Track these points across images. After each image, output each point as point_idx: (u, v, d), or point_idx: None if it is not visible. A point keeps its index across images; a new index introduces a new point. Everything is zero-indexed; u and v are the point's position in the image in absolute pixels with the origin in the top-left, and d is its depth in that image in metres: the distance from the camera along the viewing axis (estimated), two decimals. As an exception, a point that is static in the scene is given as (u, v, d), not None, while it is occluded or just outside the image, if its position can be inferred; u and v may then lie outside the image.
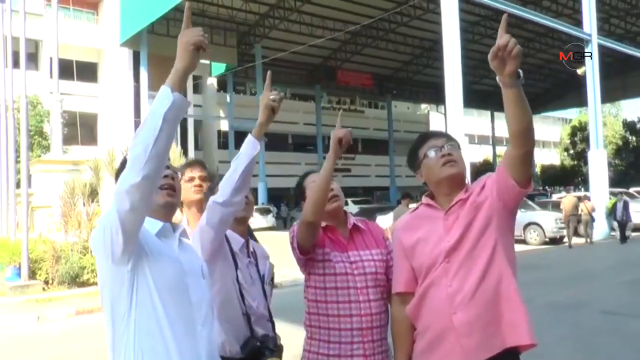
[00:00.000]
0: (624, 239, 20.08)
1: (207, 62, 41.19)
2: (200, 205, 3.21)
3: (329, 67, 45.92)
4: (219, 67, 41.62)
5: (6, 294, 11.37)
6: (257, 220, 32.71)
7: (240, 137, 43.64)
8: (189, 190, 3.27)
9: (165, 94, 1.81)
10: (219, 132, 44.15)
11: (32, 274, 11.46)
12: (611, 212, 21.71)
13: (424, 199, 2.58)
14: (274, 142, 43.55)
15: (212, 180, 3.34)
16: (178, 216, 2.87)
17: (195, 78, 40.92)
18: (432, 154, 2.52)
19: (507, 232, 2.46)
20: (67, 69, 27.38)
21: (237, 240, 2.88)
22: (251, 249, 2.98)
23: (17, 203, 13.86)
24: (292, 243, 2.72)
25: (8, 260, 12.23)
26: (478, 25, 39.96)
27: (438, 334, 2.41)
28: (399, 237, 2.61)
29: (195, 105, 41.23)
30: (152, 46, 32.33)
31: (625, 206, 20.68)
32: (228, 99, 42.62)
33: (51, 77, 27.51)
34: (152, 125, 1.79)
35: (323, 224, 2.78)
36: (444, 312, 2.38)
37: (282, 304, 2.89)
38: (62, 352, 6.77)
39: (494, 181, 2.43)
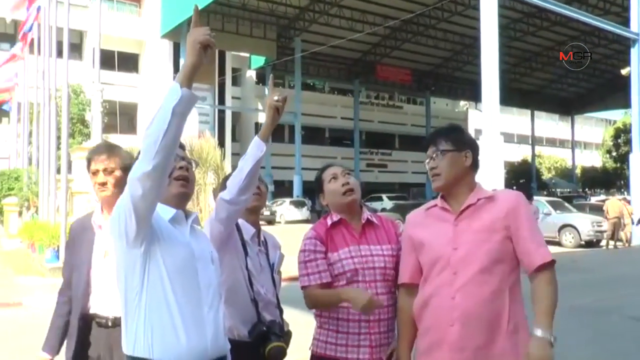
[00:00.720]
0: None
1: (247, 55, 41.54)
2: (112, 200, 2.63)
3: (368, 61, 45.80)
4: (258, 60, 41.92)
5: (45, 274, 11.93)
6: (292, 213, 32.91)
7: (277, 130, 43.11)
8: (94, 186, 2.94)
9: (174, 89, 1.90)
10: (256, 124, 44.42)
11: (70, 257, 11.81)
12: None
13: (439, 201, 2.61)
14: (311, 135, 43.77)
15: (127, 168, 2.67)
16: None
17: (234, 70, 41.32)
18: (426, 163, 2.65)
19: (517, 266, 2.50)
20: (109, 60, 28.06)
21: (248, 230, 2.95)
22: (262, 239, 3.05)
23: (57, 188, 14.26)
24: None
25: (48, 242, 12.75)
26: (520, 22, 39.39)
27: (435, 341, 2.47)
28: (408, 231, 2.68)
29: (233, 98, 41.65)
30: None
31: None
32: (266, 92, 42.71)
33: (93, 67, 28.21)
34: (162, 119, 1.89)
35: (337, 217, 2.87)
36: (443, 322, 2.44)
37: (297, 294, 2.94)
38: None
39: (513, 243, 2.46)
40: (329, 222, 2.87)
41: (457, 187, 2.55)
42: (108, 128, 27.06)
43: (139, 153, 2.20)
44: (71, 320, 3.01)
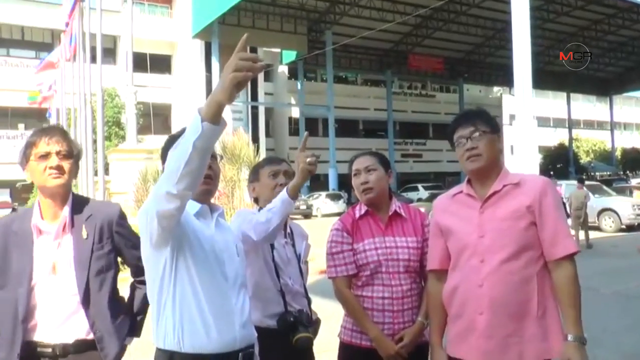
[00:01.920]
0: None
1: (278, 50, 41.71)
2: (63, 192, 2.49)
3: (399, 51, 45.53)
4: (289, 55, 42.02)
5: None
6: (327, 206, 32.98)
7: (310, 123, 44.00)
8: (42, 173, 2.45)
9: (196, 123, 1.80)
10: (289, 119, 44.64)
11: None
12: None
13: (465, 187, 2.61)
14: (344, 128, 43.71)
15: (78, 157, 2.54)
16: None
17: (266, 66, 41.48)
18: (459, 144, 2.56)
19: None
20: (142, 62, 28.49)
21: None
22: (288, 230, 3.10)
23: (96, 190, 14.60)
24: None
25: (89, 244, 12.93)
26: (554, 3, 38.57)
27: (464, 329, 2.49)
28: (436, 217, 2.69)
29: (266, 93, 41.88)
30: (223, 36, 33.04)
31: None
32: (299, 86, 42.99)
33: (127, 70, 28.71)
34: (183, 149, 1.83)
35: (364, 209, 2.95)
36: (472, 310, 2.45)
37: (329, 285, 3.02)
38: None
39: (537, 229, 2.44)
40: (357, 213, 2.95)
41: (491, 169, 2.53)
42: (143, 129, 27.57)
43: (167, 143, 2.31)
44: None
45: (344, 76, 48.46)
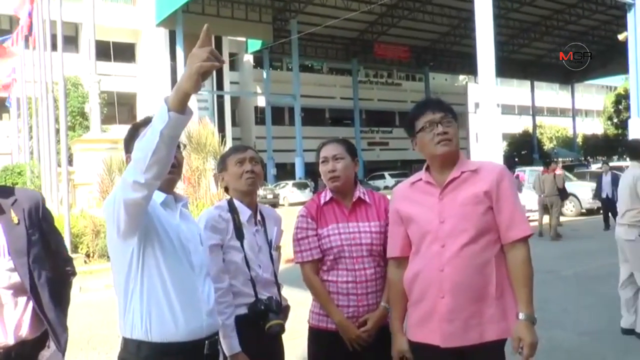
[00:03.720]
0: (607, 224, 14.83)
1: (244, 39, 41.40)
2: None
3: (365, 40, 45.63)
4: (255, 44, 41.81)
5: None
6: (294, 195, 33.01)
7: (276, 112, 43.93)
8: None
9: (163, 112, 1.83)
10: (255, 108, 44.42)
11: (75, 248, 11.91)
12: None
13: (424, 175, 2.65)
14: (311, 116, 43.67)
15: None
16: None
17: (231, 55, 41.16)
18: (425, 129, 2.57)
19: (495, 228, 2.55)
20: (106, 51, 28.04)
21: (244, 211, 3.01)
22: (259, 217, 3.10)
23: (59, 181, 14.36)
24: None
25: (52, 235, 12.74)
26: (517, -7, 39.07)
27: (426, 313, 2.54)
28: (395, 205, 2.73)
29: (232, 82, 41.56)
30: (188, 25, 32.62)
31: (614, 181, 14.09)
32: (264, 75, 42.75)
33: (90, 58, 28.15)
34: (150, 138, 1.84)
35: (328, 196, 3.01)
36: (433, 294, 2.51)
37: (297, 271, 3.07)
38: (101, 318, 7.08)
39: (494, 214, 2.51)
40: (322, 199, 3.02)
41: (455, 155, 2.59)
42: (108, 119, 27.17)
43: (130, 131, 2.28)
44: None
45: (310, 65, 48.36)
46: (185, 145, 2.63)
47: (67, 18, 27.81)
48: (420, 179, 2.67)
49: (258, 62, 44.35)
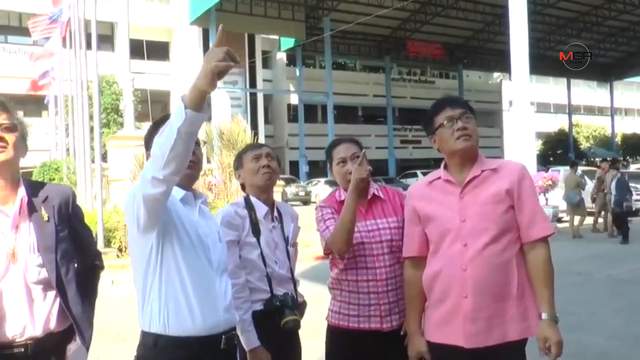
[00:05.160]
0: (622, 235, 13.38)
1: (276, 37, 41.55)
2: (10, 170, 2.33)
3: (398, 37, 45.37)
4: (287, 42, 41.89)
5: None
6: (326, 192, 32.84)
7: (309, 110, 44.04)
8: None
9: (180, 110, 1.86)
10: (288, 105, 44.54)
11: (107, 243, 12.17)
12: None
13: (442, 173, 2.62)
14: (343, 114, 43.63)
15: (23, 134, 2.39)
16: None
17: (264, 53, 41.37)
18: (445, 126, 2.55)
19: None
20: (140, 49, 28.32)
21: (261, 208, 3.02)
22: (275, 213, 3.10)
23: (93, 177, 14.64)
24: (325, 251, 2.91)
25: (86, 230, 13.03)
26: (555, -11, 38.38)
27: (448, 313, 2.51)
28: (413, 204, 2.69)
29: (265, 80, 41.75)
30: (221, 23, 32.70)
31: (622, 186, 13.85)
32: (297, 73, 42.86)
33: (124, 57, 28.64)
34: (168, 135, 1.88)
35: (344, 195, 2.91)
36: (456, 293, 2.48)
37: (319, 271, 3.05)
38: (132, 312, 7.21)
39: (515, 213, 2.49)
40: (338, 198, 2.96)
41: (475, 152, 2.58)
42: (142, 116, 27.52)
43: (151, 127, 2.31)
44: None
45: (342, 62, 48.31)
46: (205, 142, 2.64)
47: (103, 17, 28.34)
48: (439, 178, 2.63)
49: (291, 60, 44.48)
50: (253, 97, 39.36)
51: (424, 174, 39.10)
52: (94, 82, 13.40)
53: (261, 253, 2.95)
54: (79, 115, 15.51)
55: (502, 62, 47.68)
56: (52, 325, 2.35)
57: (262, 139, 37.39)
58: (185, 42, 37.27)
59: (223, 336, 2.26)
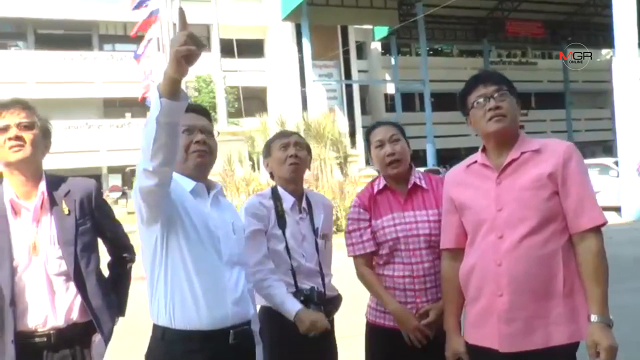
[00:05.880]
0: None
1: (370, 27, 41.31)
2: (30, 167, 2.42)
3: (495, 18, 43.71)
4: (381, 31, 41.49)
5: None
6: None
7: (406, 99, 43.48)
8: (2, 147, 2.37)
9: (155, 100, 1.86)
10: (385, 95, 44.20)
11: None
12: None
13: (480, 157, 2.44)
14: (441, 101, 42.73)
15: (46, 131, 2.49)
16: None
17: (358, 43, 41.26)
18: (477, 105, 2.37)
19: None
20: (236, 48, 29.17)
21: (288, 199, 2.96)
22: (304, 204, 3.02)
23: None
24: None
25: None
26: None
27: (483, 312, 2.33)
28: (449, 192, 2.54)
29: (360, 71, 41.60)
30: (313, 17, 33.07)
31: None
32: (392, 62, 42.43)
33: (222, 56, 29.52)
34: (150, 126, 1.89)
35: (382, 184, 2.82)
36: (490, 291, 2.29)
37: None
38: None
39: (560, 199, 2.26)
40: (375, 188, 2.84)
41: (512, 134, 2.36)
42: (239, 113, 28.34)
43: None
44: None
45: (439, 48, 47.28)
46: (219, 133, 2.64)
47: (198, 20, 29.44)
48: (476, 161, 2.45)
49: (386, 49, 44.09)
50: (349, 88, 39.37)
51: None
52: (183, 82, 13.93)
53: (286, 246, 2.88)
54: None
55: (610, 38, 45.06)
56: (74, 316, 2.43)
57: (359, 130, 37.43)
58: (279, 38, 37.85)
59: (231, 331, 2.21)
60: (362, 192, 2.93)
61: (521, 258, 2.21)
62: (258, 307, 2.80)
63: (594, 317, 2.13)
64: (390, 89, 43.31)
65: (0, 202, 2.40)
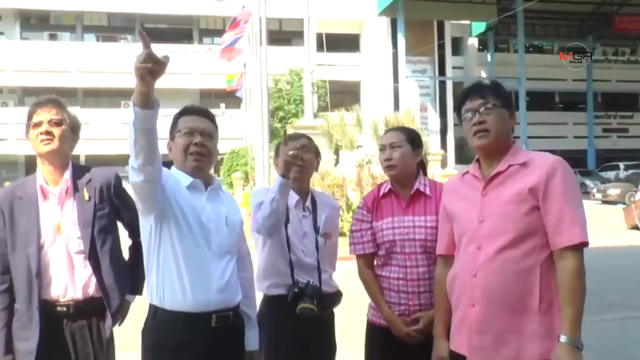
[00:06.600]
0: None
1: (467, 22, 40.48)
2: (57, 158, 2.77)
3: (603, 14, 41.39)
4: (479, 26, 40.49)
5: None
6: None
7: (502, 97, 42.04)
8: (35, 140, 2.72)
9: (131, 109, 2.07)
10: (479, 92, 43.10)
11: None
12: None
13: (472, 167, 2.49)
14: (538, 101, 41.28)
15: (75, 127, 2.84)
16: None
17: (454, 39, 40.54)
18: (465, 118, 2.42)
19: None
20: (330, 42, 29.55)
21: (292, 197, 3.12)
22: (308, 204, 3.21)
23: (270, 164, 15.75)
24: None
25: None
26: None
27: (460, 320, 2.39)
28: (444, 200, 2.61)
29: (454, 67, 40.90)
30: (409, 12, 32.77)
31: None
32: (489, 59, 41.36)
33: (318, 51, 30.01)
34: (130, 130, 2.12)
35: (387, 187, 2.99)
36: (465, 301, 2.34)
37: None
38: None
39: (541, 213, 2.25)
40: (381, 191, 3.00)
41: (499, 148, 2.37)
42: (333, 107, 28.62)
43: None
44: (18, 309, 2.68)
45: (539, 45, 45.51)
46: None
47: (294, 15, 30.08)
48: (468, 172, 2.51)
49: (483, 45, 43.01)
50: (442, 85, 38.80)
51: (627, 167, 35.59)
52: (263, 75, 14.38)
53: (287, 240, 3.07)
54: (258, 106, 16.80)
55: None
56: (91, 290, 2.77)
57: (450, 127, 36.85)
58: (375, 33, 37.85)
59: (214, 315, 2.44)
60: (368, 194, 3.11)
61: (496, 270, 2.23)
62: (260, 296, 3.08)
63: (562, 338, 2.12)
64: (486, 86, 42.12)
65: (33, 187, 2.75)
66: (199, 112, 2.62)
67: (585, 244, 2.19)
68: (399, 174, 2.92)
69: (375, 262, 3.00)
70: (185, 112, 2.60)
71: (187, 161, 2.53)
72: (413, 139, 2.99)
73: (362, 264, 2.99)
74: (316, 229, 3.16)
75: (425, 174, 3.04)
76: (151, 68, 1.96)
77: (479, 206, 2.34)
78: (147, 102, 2.06)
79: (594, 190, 28.44)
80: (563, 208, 2.19)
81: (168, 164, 2.55)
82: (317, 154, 3.28)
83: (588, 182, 32.72)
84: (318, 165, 3.29)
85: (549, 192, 2.21)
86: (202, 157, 2.54)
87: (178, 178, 2.50)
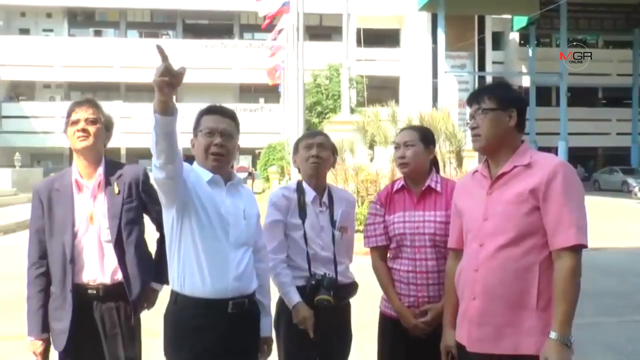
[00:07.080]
0: None
1: (509, 16, 39.91)
2: (92, 154, 2.99)
3: (652, 5, 40.24)
4: (521, 21, 39.82)
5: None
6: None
7: (544, 93, 41.42)
8: (72, 137, 2.95)
9: (151, 115, 2.21)
10: (519, 88, 42.45)
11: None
12: None
13: (481, 166, 2.58)
14: (580, 96, 40.42)
15: (109, 125, 3.07)
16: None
17: (495, 34, 40.01)
18: (468, 123, 2.56)
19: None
20: (369, 38, 29.56)
21: (310, 193, 3.26)
22: (324, 199, 3.31)
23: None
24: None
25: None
26: None
27: (463, 312, 2.50)
28: (455, 196, 2.72)
29: (494, 62, 40.34)
30: (449, 7, 32.46)
31: None
32: (530, 53, 40.70)
33: (357, 46, 30.04)
34: (152, 134, 2.26)
35: (401, 184, 3.13)
36: (467, 294, 2.45)
37: None
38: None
39: (542, 214, 2.32)
40: (395, 187, 3.15)
41: (499, 149, 2.45)
42: (371, 102, 28.64)
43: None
44: (54, 291, 2.92)
45: (583, 39, 44.47)
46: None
47: (334, 10, 30.21)
48: (478, 170, 2.61)
49: (525, 40, 42.28)
50: (482, 80, 38.30)
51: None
52: (299, 70, 14.63)
53: (304, 235, 3.21)
54: (294, 101, 17.04)
55: None
56: (119, 277, 2.97)
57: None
58: (415, 28, 37.66)
59: (230, 302, 2.60)
60: (382, 190, 3.26)
61: (497, 267, 2.32)
62: (277, 296, 3.24)
63: (552, 334, 2.19)
64: (526, 81, 41.49)
65: (69, 180, 2.97)
66: (221, 111, 2.76)
67: (583, 246, 2.25)
68: (412, 171, 3.04)
69: (387, 255, 3.15)
70: (207, 111, 2.75)
71: (208, 160, 2.69)
72: (426, 137, 3.10)
73: (375, 256, 3.13)
74: (333, 223, 3.28)
75: (437, 171, 3.15)
76: (169, 81, 2.12)
77: (484, 205, 2.44)
78: (167, 109, 2.20)
79: (636, 189, 27.41)
80: (561, 210, 2.26)
81: (190, 158, 2.73)
82: (334, 151, 3.41)
83: (630, 180, 31.91)
84: (335, 162, 3.42)
85: (549, 194, 2.28)
86: (221, 157, 2.68)
87: (199, 173, 2.66)
